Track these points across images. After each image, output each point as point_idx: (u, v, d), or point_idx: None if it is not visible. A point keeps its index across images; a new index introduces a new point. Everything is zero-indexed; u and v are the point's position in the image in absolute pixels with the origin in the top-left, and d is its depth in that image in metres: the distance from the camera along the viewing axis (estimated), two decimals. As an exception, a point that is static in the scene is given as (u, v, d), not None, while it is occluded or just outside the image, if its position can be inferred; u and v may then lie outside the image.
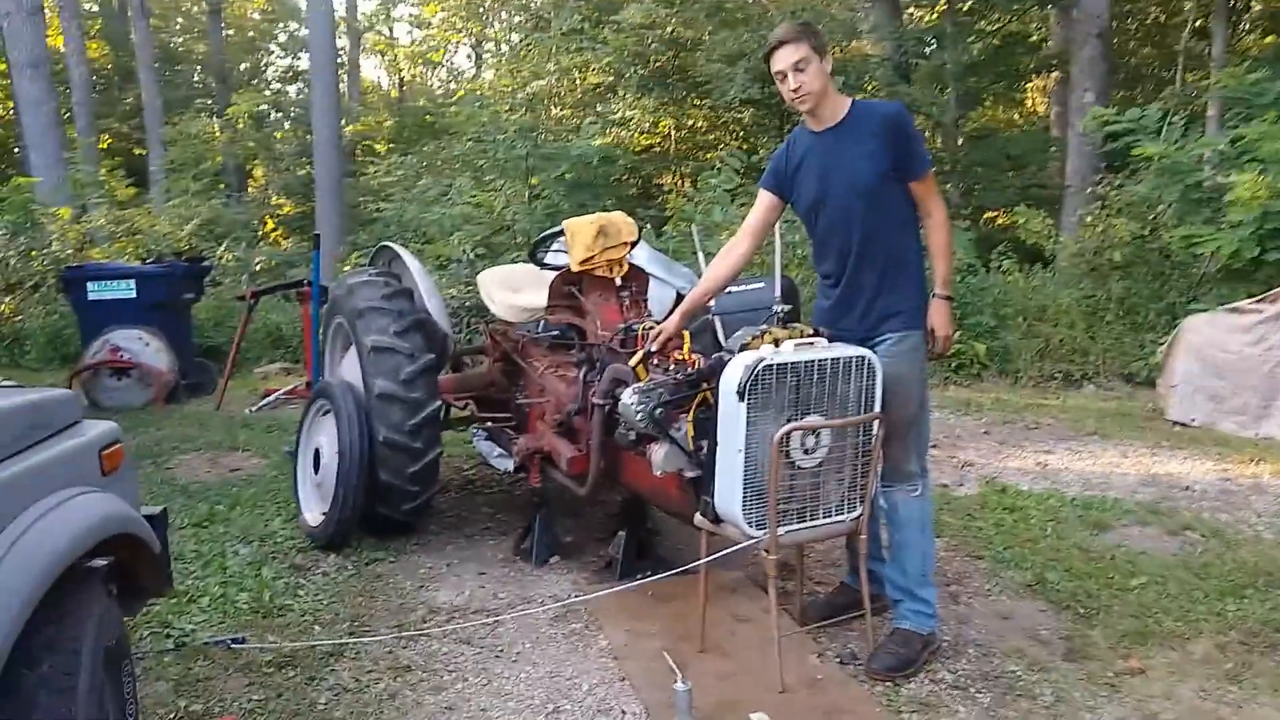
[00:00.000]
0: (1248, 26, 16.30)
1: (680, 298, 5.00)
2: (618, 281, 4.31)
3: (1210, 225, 7.97)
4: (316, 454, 4.59)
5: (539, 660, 3.47)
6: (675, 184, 16.14)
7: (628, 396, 3.42)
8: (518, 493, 5.39)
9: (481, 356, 5.29)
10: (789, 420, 3.14)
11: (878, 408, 3.29)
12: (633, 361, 3.58)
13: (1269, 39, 15.90)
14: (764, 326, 3.28)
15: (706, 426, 3.39)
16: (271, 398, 7.73)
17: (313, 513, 4.61)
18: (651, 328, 3.85)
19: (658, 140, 16.34)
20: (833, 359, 3.20)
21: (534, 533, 4.38)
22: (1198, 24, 14.95)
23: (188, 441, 6.36)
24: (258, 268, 12.37)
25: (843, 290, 3.44)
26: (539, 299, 4.59)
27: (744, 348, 3.18)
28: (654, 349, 3.57)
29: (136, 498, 2.55)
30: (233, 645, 3.45)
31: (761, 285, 7.17)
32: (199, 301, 8.72)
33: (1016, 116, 18.15)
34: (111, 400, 7.53)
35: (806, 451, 3.19)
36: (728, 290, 6.19)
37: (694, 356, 3.60)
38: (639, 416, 3.36)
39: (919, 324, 3.41)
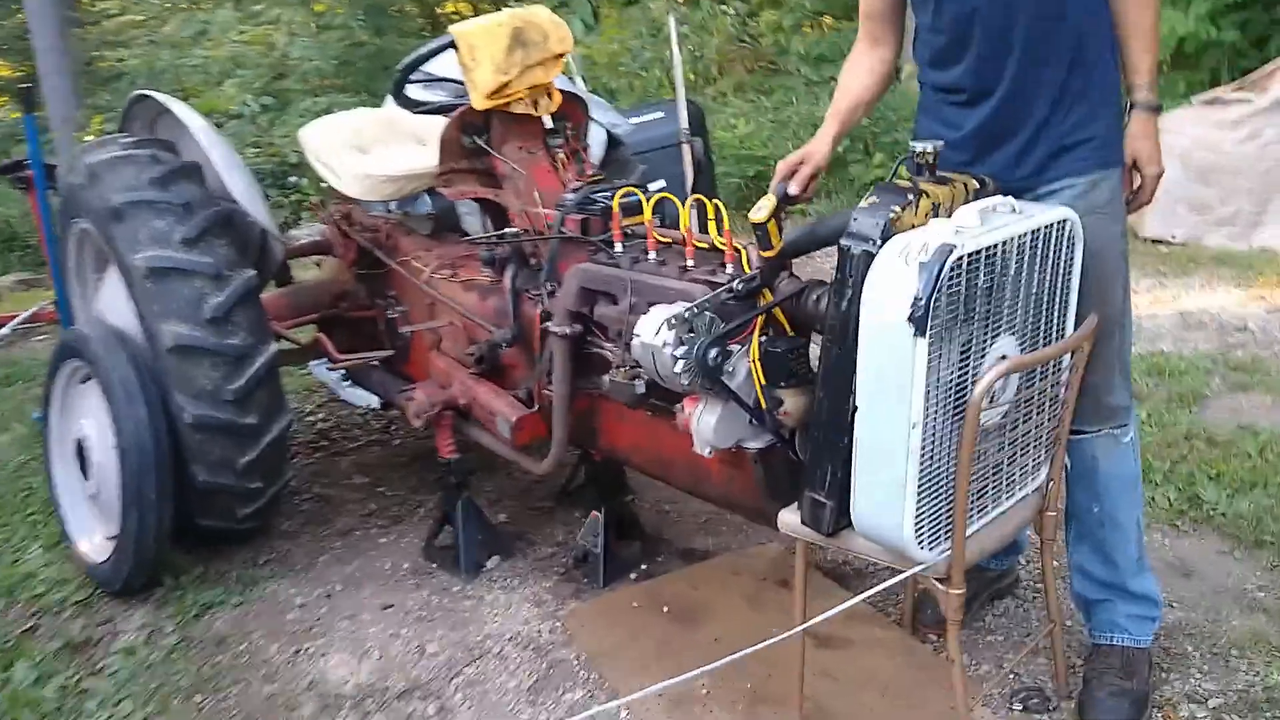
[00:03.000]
0: None
1: (613, 140, 3.45)
2: (548, 121, 2.69)
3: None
4: (80, 447, 2.84)
5: (541, 790, 2.04)
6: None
7: (654, 330, 1.90)
8: (396, 441, 3.80)
9: (322, 257, 3.55)
10: (973, 351, 1.74)
11: (1073, 312, 1.94)
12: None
13: None
14: (910, 181, 1.80)
15: (778, 365, 1.96)
16: (7, 328, 5.62)
17: (91, 539, 2.89)
18: (630, 193, 2.32)
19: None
20: (1033, 231, 1.79)
21: (456, 529, 2.85)
22: None
23: (-123, 418, 4.32)
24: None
25: (994, 110, 1.98)
26: (416, 160, 2.91)
27: (891, 226, 1.69)
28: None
29: None
30: None
31: (660, 114, 5.64)
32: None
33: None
34: None
35: (992, 400, 1.80)
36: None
37: (734, 243, 2.10)
38: (681, 366, 1.87)
39: (1116, 158, 2.02)
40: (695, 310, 1.88)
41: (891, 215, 1.70)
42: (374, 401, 3.42)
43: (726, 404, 1.97)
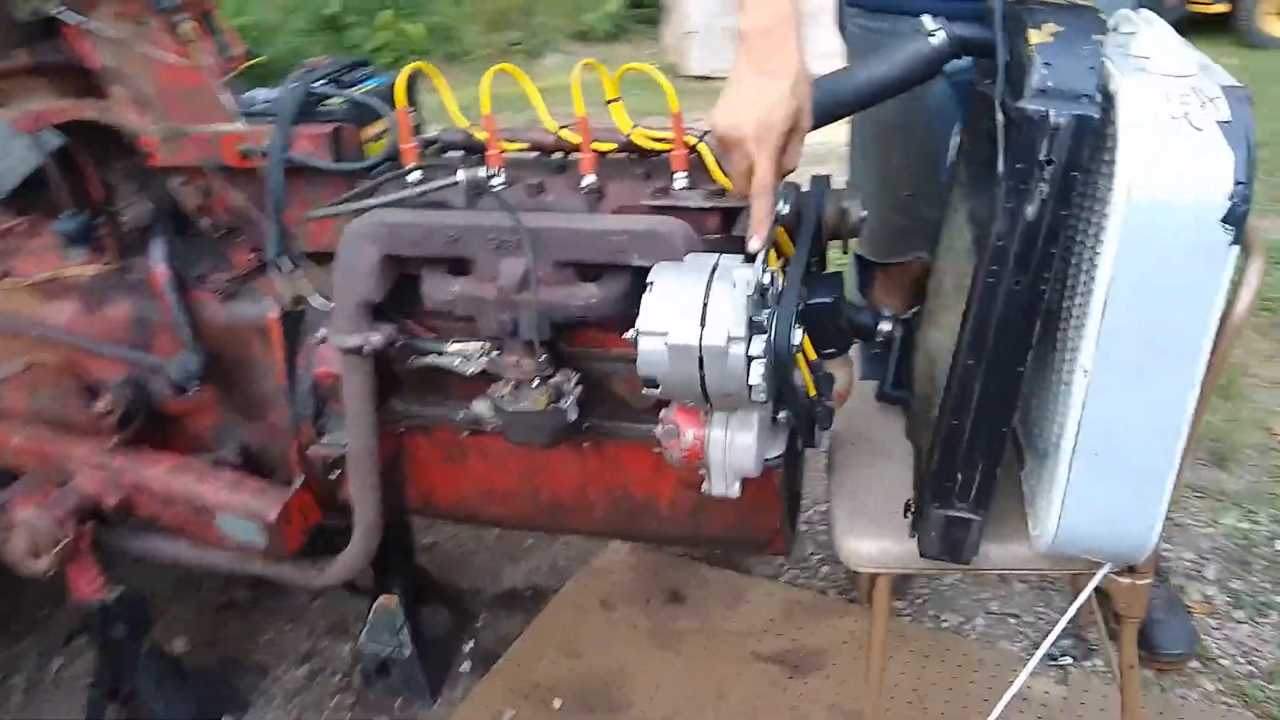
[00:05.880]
0: None
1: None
2: (159, -28, 1.47)
3: None
4: None
5: None
6: None
7: (691, 316, 1.02)
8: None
9: None
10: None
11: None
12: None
13: None
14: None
15: (827, 325, 1.23)
16: None
17: None
18: (418, 70, 1.34)
19: None
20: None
21: (144, 700, 1.64)
22: None
23: None
24: None
25: None
26: None
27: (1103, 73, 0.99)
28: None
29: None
30: None
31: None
32: None
33: None
34: None
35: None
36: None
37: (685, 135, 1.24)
38: (761, 373, 1.02)
39: None
40: (770, 270, 1.02)
41: (1103, 56, 1.00)
42: None
43: (763, 408, 1.17)
